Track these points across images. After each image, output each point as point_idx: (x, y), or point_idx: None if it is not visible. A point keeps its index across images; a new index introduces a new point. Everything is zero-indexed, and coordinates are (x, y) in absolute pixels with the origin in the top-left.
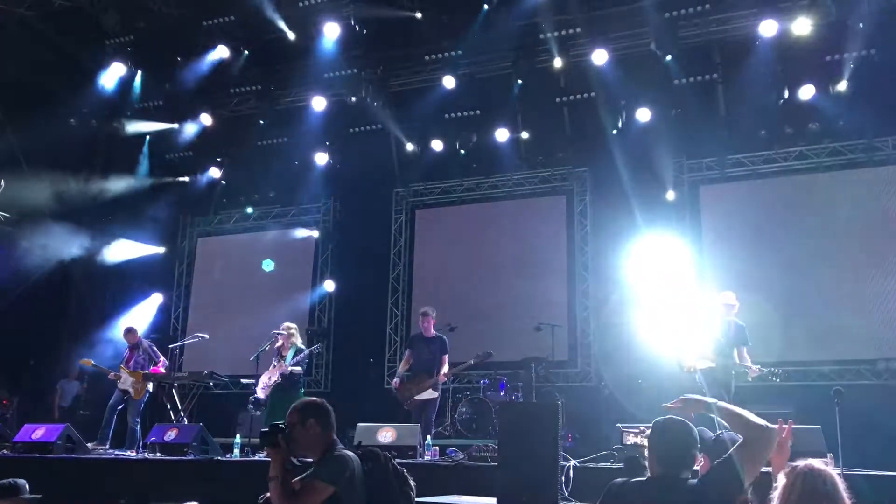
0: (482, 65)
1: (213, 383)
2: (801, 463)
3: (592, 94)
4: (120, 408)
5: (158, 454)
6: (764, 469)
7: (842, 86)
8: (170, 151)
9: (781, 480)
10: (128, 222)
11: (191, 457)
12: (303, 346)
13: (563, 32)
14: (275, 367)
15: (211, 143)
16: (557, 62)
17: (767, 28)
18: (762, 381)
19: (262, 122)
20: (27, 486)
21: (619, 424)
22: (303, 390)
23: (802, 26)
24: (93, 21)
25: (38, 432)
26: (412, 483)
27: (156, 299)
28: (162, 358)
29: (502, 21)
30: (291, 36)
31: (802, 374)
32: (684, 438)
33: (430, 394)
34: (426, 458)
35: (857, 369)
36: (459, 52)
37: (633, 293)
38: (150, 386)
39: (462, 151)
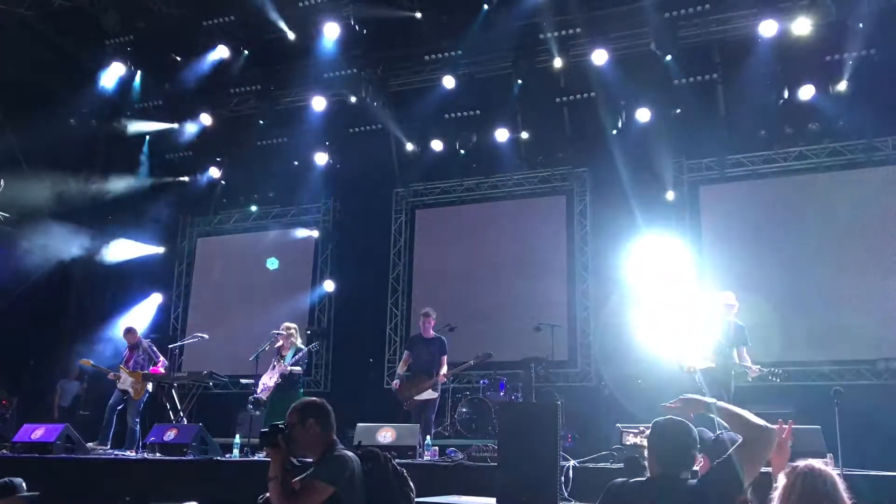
0: (482, 65)
1: (213, 383)
2: (801, 463)
3: (592, 94)
4: (119, 408)
5: (158, 454)
6: (764, 469)
7: (842, 86)
8: (170, 151)
9: (781, 481)
10: (127, 222)
11: (190, 457)
12: (302, 346)
13: (563, 32)
14: (274, 367)
15: (211, 143)
16: (557, 62)
17: (767, 28)
18: (762, 381)
19: (262, 122)
20: (24, 485)
21: (618, 424)
22: (302, 390)
23: (802, 26)
24: (93, 21)
25: (38, 432)
26: (412, 483)
27: (155, 299)
28: (161, 358)
29: (502, 21)
30: (291, 36)
31: (802, 374)
32: (684, 439)
33: (429, 394)
34: (426, 458)
35: (856, 369)
36: (459, 52)
37: (632, 293)
38: (150, 386)
39: (462, 151)
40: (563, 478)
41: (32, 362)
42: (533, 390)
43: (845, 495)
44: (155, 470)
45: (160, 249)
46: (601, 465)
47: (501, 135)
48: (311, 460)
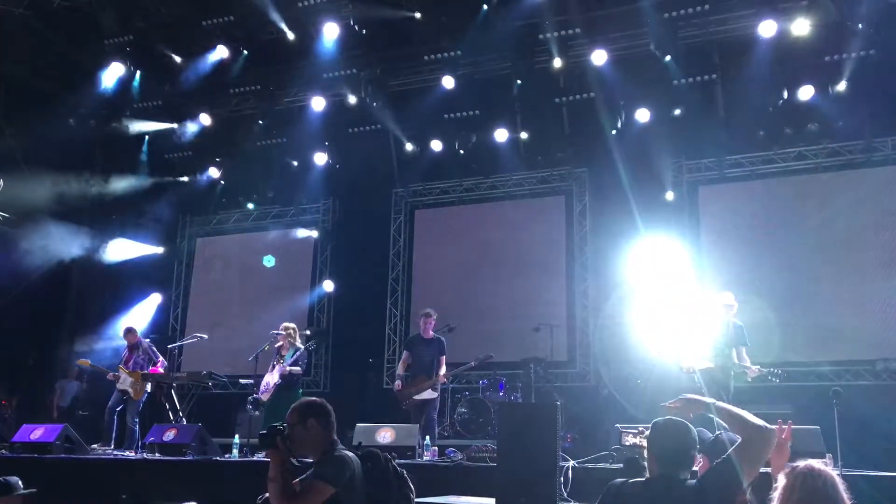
0: (481, 65)
1: (212, 383)
2: (801, 463)
3: (592, 94)
4: (119, 409)
5: (157, 454)
6: (763, 469)
7: (841, 86)
8: (169, 151)
9: (781, 481)
10: (127, 222)
11: (189, 457)
12: (301, 346)
13: (563, 33)
14: (274, 367)
15: (210, 143)
16: (557, 62)
17: (767, 28)
18: (761, 381)
19: (261, 122)
20: (20, 483)
21: (617, 425)
22: (301, 391)
23: (802, 27)
24: (92, 21)
25: (37, 432)
26: (411, 484)
27: (155, 299)
28: (161, 358)
29: (502, 21)
30: (291, 36)
31: (801, 374)
32: (683, 439)
33: (429, 394)
34: (425, 458)
35: (855, 370)
36: (459, 52)
37: (632, 293)
38: (149, 386)
39: (461, 152)
40: (562, 478)
41: (32, 362)
42: (532, 391)
43: (845, 496)
44: (154, 470)
45: (159, 249)
46: (600, 465)
47: (501, 135)
48: (310, 460)
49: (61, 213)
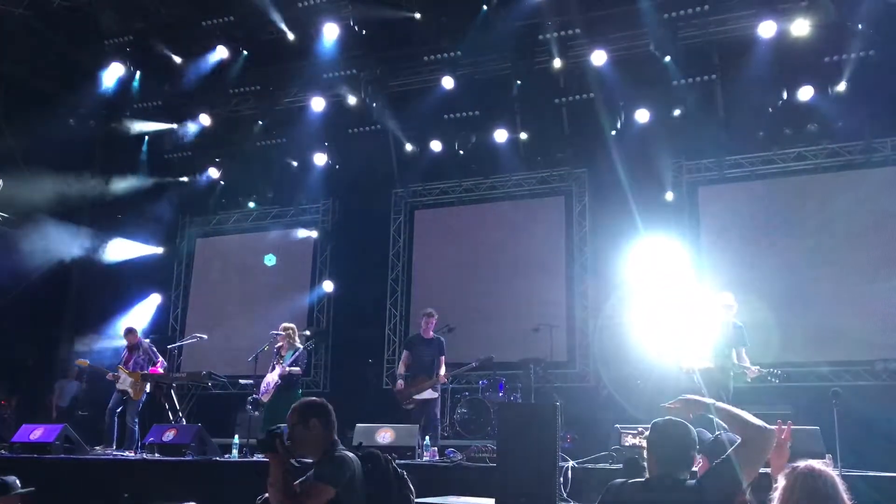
0: (481, 65)
1: (212, 384)
2: (801, 464)
3: (591, 94)
4: (119, 410)
5: (157, 454)
6: (763, 470)
7: (840, 87)
8: (169, 151)
9: (781, 481)
10: (127, 222)
11: (189, 457)
12: (300, 346)
13: (563, 33)
14: (274, 367)
15: (210, 144)
16: (556, 63)
17: (766, 29)
18: (761, 381)
19: (261, 122)
20: (18, 482)
21: (617, 425)
22: (301, 391)
23: (801, 27)
24: (92, 21)
25: (37, 433)
26: (411, 486)
27: (154, 299)
28: (160, 358)
29: (501, 22)
30: (291, 36)
31: (801, 374)
32: (683, 439)
33: (429, 394)
34: (425, 458)
35: (855, 370)
36: (458, 52)
37: (631, 294)
38: (148, 386)
39: (461, 152)
40: (562, 478)
41: (31, 362)
42: (532, 391)
43: (845, 496)
44: (154, 470)
45: (159, 249)
46: (600, 465)
47: (500, 135)
48: (310, 461)
49: (61, 213)
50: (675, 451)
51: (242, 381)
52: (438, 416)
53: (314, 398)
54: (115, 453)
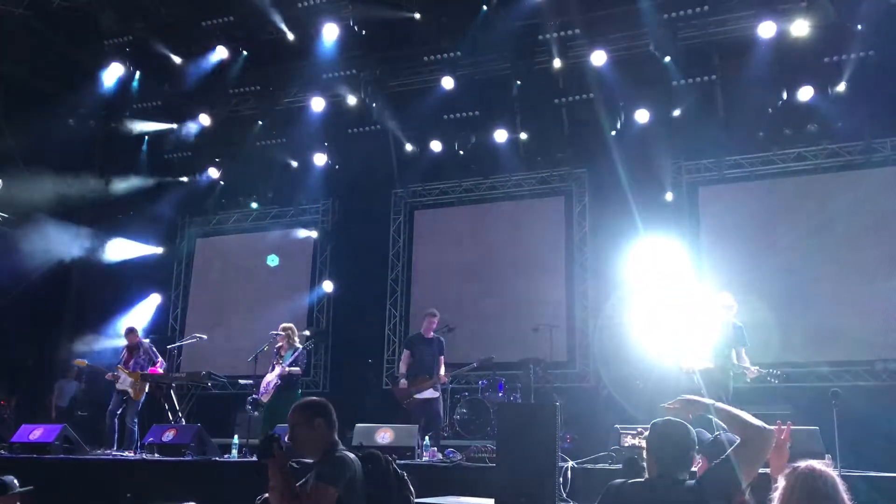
0: (481, 65)
1: (211, 384)
2: (801, 464)
3: (591, 95)
4: (119, 411)
5: (156, 455)
6: (762, 470)
7: (840, 87)
8: (169, 151)
9: (781, 482)
10: (126, 222)
11: (189, 457)
12: (300, 346)
13: (562, 33)
14: (274, 368)
15: (210, 144)
16: (556, 63)
17: (766, 29)
18: (760, 382)
19: (260, 122)
20: (16, 482)
21: (617, 425)
22: (300, 391)
23: (801, 28)
24: (92, 21)
25: (36, 433)
26: (412, 487)
27: (154, 299)
28: (160, 359)
29: (501, 22)
30: (291, 36)
31: (800, 375)
32: (682, 440)
33: (430, 393)
34: (424, 458)
35: (855, 370)
36: (458, 52)
37: (631, 294)
38: (147, 386)
39: (461, 152)
40: (561, 478)
41: (31, 362)
42: (532, 391)
43: (846, 496)
44: (153, 470)
45: (159, 250)
46: (600, 465)
47: (500, 136)
48: (309, 461)
49: (61, 213)
50: (675, 452)
51: (242, 382)
52: (441, 414)
53: (315, 398)
54: (114, 453)
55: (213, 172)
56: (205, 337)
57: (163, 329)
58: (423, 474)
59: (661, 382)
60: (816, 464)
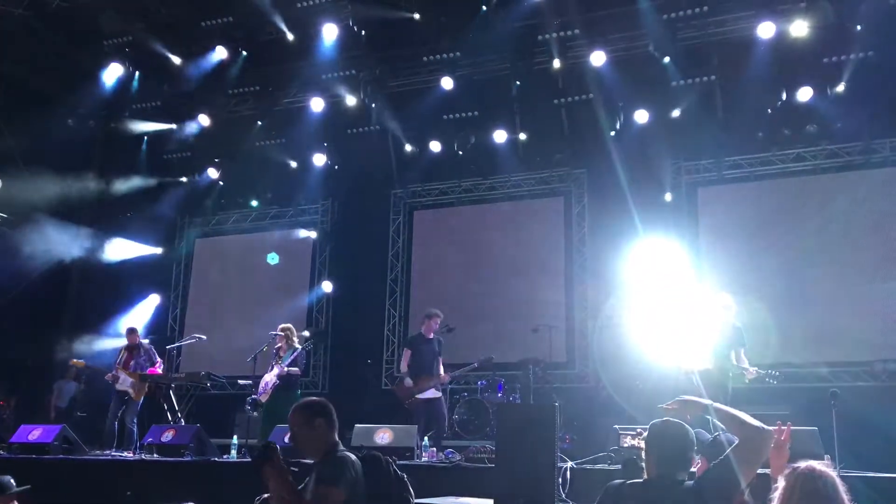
0: (480, 66)
1: (211, 384)
2: (801, 465)
3: (590, 95)
4: (120, 413)
5: (155, 455)
6: (762, 471)
7: (839, 88)
8: (168, 152)
9: (781, 482)
10: (126, 222)
11: (188, 458)
12: (299, 347)
13: (562, 34)
14: (273, 368)
15: (209, 144)
16: (556, 63)
17: (765, 30)
18: (759, 382)
19: (260, 122)
20: (13, 482)
21: (616, 426)
22: (299, 391)
23: (800, 28)
24: (92, 21)
25: (35, 433)
26: (411, 488)
27: (153, 300)
28: (159, 360)
29: (501, 22)
30: (290, 37)
31: (799, 375)
32: (681, 440)
33: (432, 393)
34: (423, 458)
35: (854, 371)
36: (458, 53)
37: (630, 295)
38: (147, 387)
39: (460, 152)
40: (560, 479)
41: (30, 362)
42: (531, 391)
43: (845, 497)
44: (152, 471)
45: (158, 250)
46: (599, 466)
47: (499, 136)
48: (309, 462)
49: (61, 213)
50: (674, 452)
51: (241, 382)
52: (445, 414)
53: (316, 398)
54: (113, 454)
55: (213, 173)
56: (204, 337)
57: (162, 329)
58: (423, 475)
59: (660, 383)
60: (816, 464)
